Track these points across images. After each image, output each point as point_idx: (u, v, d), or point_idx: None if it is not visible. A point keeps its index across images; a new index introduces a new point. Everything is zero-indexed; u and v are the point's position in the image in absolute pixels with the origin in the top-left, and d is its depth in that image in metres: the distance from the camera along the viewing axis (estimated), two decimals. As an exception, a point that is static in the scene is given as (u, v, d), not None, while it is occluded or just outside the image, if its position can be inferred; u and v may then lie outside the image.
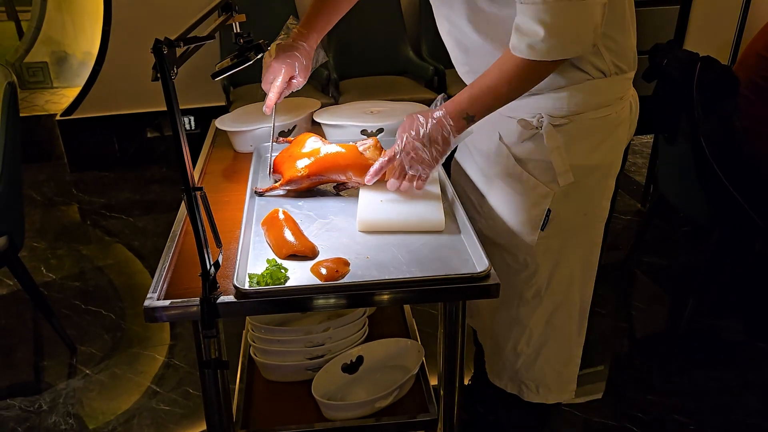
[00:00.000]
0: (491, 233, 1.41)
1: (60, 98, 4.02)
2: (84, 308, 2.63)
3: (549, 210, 1.31)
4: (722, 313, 2.54)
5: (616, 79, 1.26)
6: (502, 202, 1.38)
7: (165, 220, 3.34)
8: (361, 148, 1.36)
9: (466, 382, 1.89)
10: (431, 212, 1.27)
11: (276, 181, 1.43)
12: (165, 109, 0.92)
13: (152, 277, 1.10)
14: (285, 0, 3.77)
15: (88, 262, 3.00)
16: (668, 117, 2.24)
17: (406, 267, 1.14)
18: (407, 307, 1.80)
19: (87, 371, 2.27)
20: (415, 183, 1.28)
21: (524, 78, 1.15)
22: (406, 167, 1.26)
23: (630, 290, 2.76)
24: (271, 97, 1.46)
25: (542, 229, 1.33)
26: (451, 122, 1.21)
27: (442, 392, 1.27)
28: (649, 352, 2.35)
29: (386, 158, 1.29)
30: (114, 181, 3.85)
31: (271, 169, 1.46)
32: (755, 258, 2.90)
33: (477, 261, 1.15)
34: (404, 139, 1.24)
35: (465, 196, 1.50)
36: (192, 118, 3.88)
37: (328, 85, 3.63)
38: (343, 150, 1.37)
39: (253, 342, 1.43)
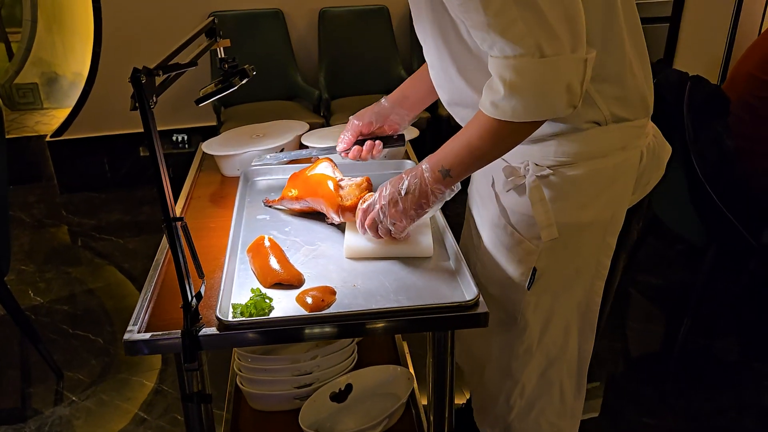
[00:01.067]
0: (484, 281, 1.35)
1: (50, 119, 4.01)
2: (72, 333, 2.59)
3: (535, 269, 1.23)
4: (717, 333, 2.52)
5: (616, 128, 1.14)
6: (492, 252, 1.31)
7: (156, 241, 3.29)
8: (343, 183, 1.33)
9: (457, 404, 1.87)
10: (419, 239, 1.25)
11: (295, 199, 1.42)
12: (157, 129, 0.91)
13: None
14: (276, 25, 3.78)
15: (78, 285, 2.96)
16: (659, 136, 2.23)
17: (393, 295, 1.12)
18: (398, 336, 1.77)
19: (74, 398, 2.23)
20: (393, 234, 1.21)
21: (497, 137, 1.05)
22: (380, 218, 1.20)
23: (625, 309, 2.74)
24: (344, 142, 1.43)
25: (528, 288, 1.25)
26: (429, 174, 1.14)
27: (432, 419, 1.25)
28: (645, 372, 2.33)
29: (363, 208, 1.23)
30: (104, 203, 3.83)
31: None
32: (750, 277, 2.89)
33: (466, 289, 1.13)
34: (383, 190, 1.20)
35: (469, 237, 1.45)
36: (185, 136, 3.87)
37: (319, 105, 3.63)
38: (326, 182, 1.33)
39: (240, 371, 1.41)
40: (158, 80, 0.94)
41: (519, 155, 1.20)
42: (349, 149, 1.43)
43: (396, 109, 1.43)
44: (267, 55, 3.73)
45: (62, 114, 3.92)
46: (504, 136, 1.05)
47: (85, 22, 3.72)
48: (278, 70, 3.79)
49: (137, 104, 0.88)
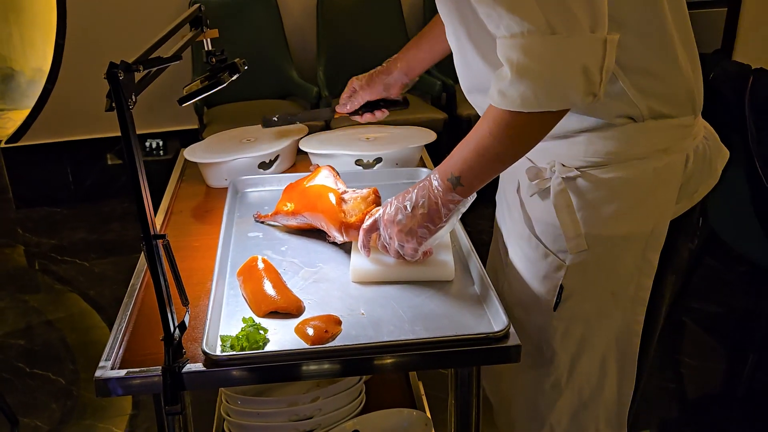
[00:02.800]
0: (510, 302, 1.35)
1: (5, 122, 4.06)
2: (29, 371, 2.60)
3: (562, 287, 1.23)
4: (789, 371, 2.51)
5: (655, 126, 1.14)
6: (517, 266, 1.32)
7: (127, 264, 3.33)
8: (346, 197, 1.34)
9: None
10: (439, 259, 1.26)
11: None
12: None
13: (105, 335, 1.09)
14: (268, 12, 3.82)
15: (36, 315, 2.98)
16: (717, 140, 2.24)
17: (408, 325, 1.13)
18: (413, 372, 1.77)
19: (31, 448, 2.24)
20: (405, 257, 1.22)
21: (508, 132, 1.05)
22: (386, 239, 1.21)
23: (678, 343, 2.73)
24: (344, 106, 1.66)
25: (555, 309, 1.24)
26: (440, 183, 1.14)
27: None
28: (703, 417, 2.31)
29: (365, 228, 1.24)
30: (67, 219, 3.86)
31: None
32: (826, 304, 2.87)
33: (494, 318, 1.13)
34: (387, 207, 1.21)
35: (497, 253, 1.46)
36: (160, 142, 3.90)
37: (318, 105, 3.67)
38: (326, 195, 1.34)
39: (228, 415, 1.41)
40: (138, 76, 0.95)
41: (545, 155, 1.21)
42: (356, 113, 1.65)
43: (400, 72, 1.61)
44: (257, 46, 3.77)
45: (19, 116, 3.97)
46: (516, 132, 1.06)
47: (48, 11, 3.78)
48: (270, 64, 3.83)
49: (113, 104, 0.89)
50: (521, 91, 1.00)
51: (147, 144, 3.85)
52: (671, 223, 1.23)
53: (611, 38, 1.00)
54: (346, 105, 1.65)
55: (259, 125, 1.77)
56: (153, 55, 1.02)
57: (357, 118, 1.67)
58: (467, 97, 1.32)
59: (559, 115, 1.05)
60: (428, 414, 1.60)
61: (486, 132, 1.08)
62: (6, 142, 3.89)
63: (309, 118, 1.79)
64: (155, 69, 1.01)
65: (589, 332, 1.27)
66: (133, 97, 0.93)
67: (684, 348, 2.70)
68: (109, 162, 3.96)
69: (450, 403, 1.21)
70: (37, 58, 3.94)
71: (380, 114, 1.66)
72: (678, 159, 1.18)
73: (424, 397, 1.75)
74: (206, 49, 1.30)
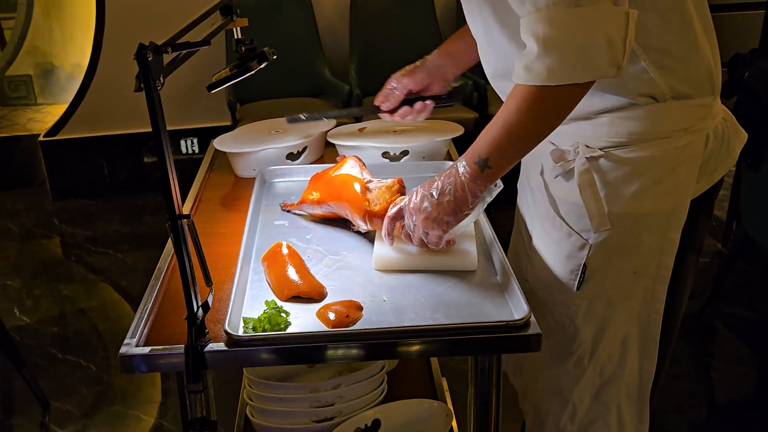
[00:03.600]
0: (533, 284, 1.38)
1: (44, 116, 4.14)
2: (61, 358, 2.66)
3: (585, 266, 1.25)
4: (823, 378, 2.46)
5: (677, 106, 1.17)
6: (540, 248, 1.35)
7: (158, 256, 3.37)
8: (371, 186, 1.35)
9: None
10: (462, 249, 1.26)
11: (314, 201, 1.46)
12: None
13: None
14: (302, 10, 3.85)
15: (69, 304, 3.04)
16: (751, 139, 2.21)
17: (429, 312, 1.13)
18: (435, 363, 1.77)
19: (61, 432, 2.28)
20: (429, 245, 1.23)
21: (535, 108, 1.07)
22: (410, 228, 1.22)
23: (708, 347, 2.69)
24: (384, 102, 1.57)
25: (578, 289, 1.27)
26: (466, 168, 1.15)
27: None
28: (733, 421, 2.28)
29: (390, 215, 1.26)
30: (101, 211, 3.93)
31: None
32: None
33: (515, 307, 1.13)
34: (413, 195, 1.22)
35: (520, 239, 1.48)
36: (195, 140, 3.96)
37: (350, 102, 3.68)
38: (351, 184, 1.35)
39: (251, 400, 1.43)
40: (166, 59, 0.97)
41: (569, 136, 1.22)
42: (396, 109, 1.54)
43: (444, 64, 1.54)
44: (290, 44, 3.80)
45: (58, 111, 4.06)
46: (544, 107, 1.07)
47: (87, 8, 3.86)
48: (303, 61, 3.85)
49: (142, 84, 0.91)
50: (548, 64, 1.01)
51: (182, 143, 3.92)
52: (692, 202, 1.25)
53: (632, 12, 1.02)
54: (385, 102, 1.57)
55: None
56: (181, 40, 1.03)
57: (396, 117, 1.57)
58: (491, 83, 1.34)
59: (585, 88, 1.06)
60: (450, 407, 1.59)
61: (513, 109, 1.09)
62: (44, 136, 3.98)
63: (337, 116, 1.74)
64: (184, 53, 1.02)
65: (611, 311, 1.28)
66: (161, 78, 0.95)
67: (715, 352, 2.66)
68: (145, 160, 4.03)
69: (470, 392, 1.21)
70: (76, 53, 4.02)
71: (421, 107, 1.55)
72: (698, 138, 1.21)
73: (446, 391, 1.75)
74: (236, 37, 1.32)
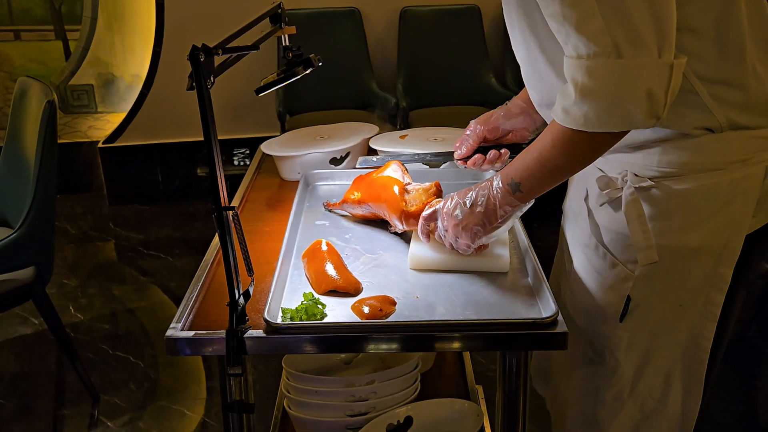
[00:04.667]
0: (573, 311, 1.35)
1: (104, 124, 4.31)
2: (111, 354, 2.76)
3: (629, 297, 1.22)
4: None
5: (733, 136, 1.12)
6: (582, 275, 1.32)
7: (206, 260, 3.48)
8: (409, 188, 1.39)
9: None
10: (495, 251, 1.30)
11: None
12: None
13: None
14: (353, 25, 3.94)
15: (121, 304, 3.15)
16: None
17: (460, 309, 1.17)
18: (469, 366, 1.80)
19: (109, 424, 2.37)
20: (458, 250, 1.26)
21: (570, 148, 1.08)
22: (441, 231, 1.25)
23: (754, 368, 2.64)
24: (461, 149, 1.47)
25: (621, 321, 1.24)
26: (500, 185, 1.17)
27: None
28: (773, 443, 2.24)
29: (425, 216, 1.29)
30: (154, 216, 4.06)
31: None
32: None
33: (544, 307, 1.16)
34: (447, 201, 1.25)
35: (561, 263, 1.46)
36: (247, 151, 4.08)
37: (396, 116, 3.74)
38: (391, 186, 1.40)
39: (288, 392, 1.48)
40: (218, 61, 1.04)
41: (617, 164, 1.20)
42: (469, 157, 1.45)
43: (526, 113, 1.44)
44: (340, 58, 3.89)
45: (116, 119, 4.21)
46: (578, 148, 1.08)
47: (147, 20, 4.01)
48: (352, 74, 3.94)
49: (194, 83, 0.98)
50: (584, 111, 1.02)
51: (234, 155, 4.04)
52: (747, 237, 1.20)
53: (678, 62, 1.00)
54: (461, 148, 1.47)
55: (334, 124, 1.86)
56: (232, 44, 1.10)
57: (468, 165, 1.46)
58: (539, 111, 1.32)
59: (621, 135, 1.06)
60: (483, 408, 1.62)
61: (549, 144, 1.10)
62: (103, 143, 4.14)
63: (411, 160, 1.60)
64: (234, 55, 1.09)
65: (654, 344, 1.25)
66: (212, 78, 1.01)
67: (758, 371, 2.61)
68: (198, 173, 4.15)
69: (498, 392, 1.23)
70: (135, 64, 4.18)
71: (494, 156, 1.43)
72: (757, 171, 1.16)
73: (481, 396, 1.77)
74: (284, 44, 1.39)
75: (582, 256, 1.31)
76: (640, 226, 1.17)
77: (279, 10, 1.34)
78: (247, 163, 4.04)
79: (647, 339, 1.25)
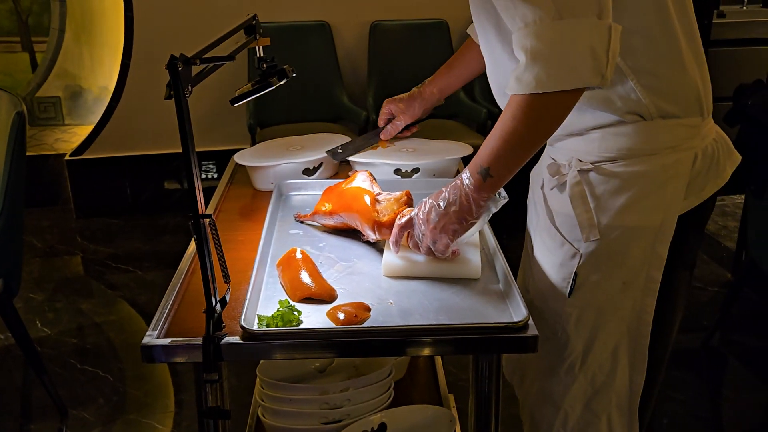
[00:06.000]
0: (532, 293, 1.44)
1: (71, 136, 4.28)
2: (80, 368, 2.73)
3: (576, 274, 1.31)
4: (828, 405, 2.47)
5: (664, 124, 1.24)
6: (538, 258, 1.41)
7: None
8: (380, 198, 1.41)
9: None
10: (467, 258, 1.32)
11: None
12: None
13: None
14: (323, 39, 3.98)
15: (89, 317, 3.12)
16: (755, 167, 2.26)
17: (433, 315, 1.19)
18: (441, 375, 1.82)
19: (78, 439, 2.34)
20: (436, 253, 1.29)
21: (529, 115, 1.13)
22: (419, 237, 1.29)
23: (714, 374, 2.71)
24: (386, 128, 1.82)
25: (569, 296, 1.33)
26: (470, 179, 1.22)
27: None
28: (737, 447, 2.30)
29: (400, 224, 1.32)
30: (123, 229, 4.03)
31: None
32: None
33: (515, 311, 1.19)
34: (422, 206, 1.28)
35: (526, 253, 1.54)
36: (213, 165, 4.07)
37: (366, 128, 3.77)
38: (362, 197, 1.42)
39: (262, 400, 1.48)
40: (194, 71, 1.06)
41: (565, 152, 1.31)
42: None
43: (434, 96, 1.75)
44: (311, 71, 3.91)
45: (84, 131, 4.18)
46: (536, 114, 1.14)
47: (116, 33, 4.00)
48: (322, 88, 3.96)
49: (172, 92, 0.99)
50: (536, 74, 1.09)
51: (201, 170, 4.04)
52: (682, 219, 1.29)
53: (615, 26, 1.09)
54: (388, 131, 1.81)
55: (307, 135, 1.88)
56: (208, 55, 1.12)
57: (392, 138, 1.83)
58: (497, 100, 1.41)
59: (573, 96, 1.12)
60: (455, 415, 1.64)
61: (509, 118, 1.16)
62: (70, 155, 4.10)
63: (361, 146, 1.83)
64: (210, 65, 1.11)
65: (601, 320, 1.33)
66: (190, 87, 1.03)
67: (721, 380, 2.67)
68: (165, 186, 4.14)
69: (470, 394, 1.26)
70: (104, 76, 4.16)
71: (408, 134, 1.85)
72: (686, 157, 1.26)
73: (451, 399, 1.80)
74: (258, 55, 1.40)
75: (539, 240, 1.40)
76: (582, 206, 1.27)
77: (254, 22, 1.36)
78: (214, 176, 4.04)
79: (594, 315, 1.33)
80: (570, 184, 1.28)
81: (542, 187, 1.38)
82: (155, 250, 3.76)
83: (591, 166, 1.26)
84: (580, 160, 1.28)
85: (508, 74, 1.24)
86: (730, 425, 2.44)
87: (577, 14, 1.06)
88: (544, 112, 1.14)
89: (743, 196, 4.05)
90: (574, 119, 1.21)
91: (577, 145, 1.29)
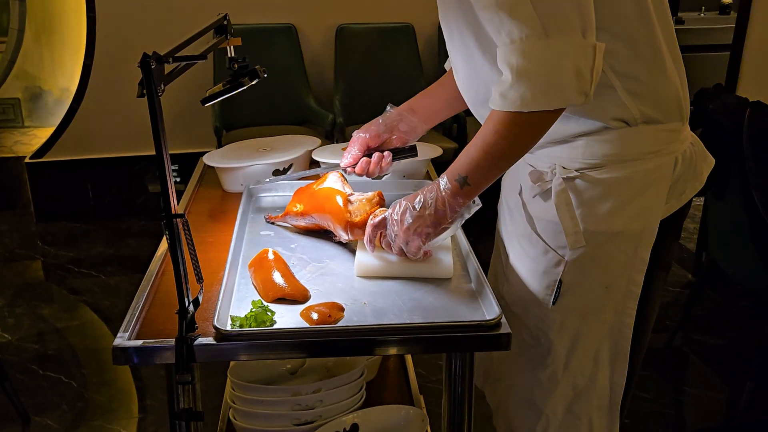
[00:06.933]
0: (509, 300, 1.43)
1: (31, 139, 4.20)
2: (42, 374, 2.67)
3: (561, 281, 1.31)
4: (786, 401, 2.54)
5: (647, 130, 1.25)
6: (516, 265, 1.40)
7: (141, 278, 3.39)
8: (352, 198, 1.42)
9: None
10: (439, 258, 1.33)
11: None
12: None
13: None
14: (289, 42, 3.97)
15: (50, 323, 3.06)
16: (715, 169, 2.31)
17: (407, 314, 1.20)
18: (412, 375, 1.83)
19: (40, 446, 2.29)
20: (407, 255, 1.29)
21: (511, 131, 1.14)
22: (392, 237, 1.29)
23: (678, 372, 2.76)
24: (347, 159, 1.52)
25: (553, 304, 1.32)
26: (447, 184, 1.22)
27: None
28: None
29: (373, 223, 1.32)
30: (85, 233, 3.96)
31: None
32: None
33: (487, 309, 1.20)
34: (396, 207, 1.29)
35: (498, 260, 1.53)
36: (176, 168, 4.02)
37: (333, 131, 3.77)
38: (334, 197, 1.42)
39: (233, 402, 1.47)
40: (167, 68, 1.05)
41: (546, 158, 1.29)
42: (355, 164, 1.51)
43: (405, 118, 1.53)
44: (277, 73, 3.90)
45: (44, 134, 4.11)
46: (519, 130, 1.15)
47: (77, 33, 3.94)
48: (289, 91, 3.95)
49: (144, 91, 0.98)
50: (521, 92, 1.09)
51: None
52: (661, 222, 1.31)
53: (599, 45, 1.10)
54: (347, 157, 1.52)
55: (276, 137, 1.87)
56: (180, 54, 1.11)
57: (357, 171, 1.51)
58: (472, 110, 1.39)
59: (556, 113, 1.14)
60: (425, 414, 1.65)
61: (491, 132, 1.17)
62: (30, 158, 4.02)
63: (299, 177, 1.69)
64: (183, 64, 1.10)
65: (584, 325, 1.34)
66: (162, 86, 1.02)
67: (684, 377, 2.73)
68: (129, 189, 4.08)
69: (444, 394, 1.26)
70: (65, 78, 4.09)
71: (378, 159, 1.50)
72: (667, 161, 1.28)
73: (422, 400, 1.80)
74: (229, 55, 1.40)
75: (518, 246, 1.39)
76: (568, 213, 1.26)
77: (225, 22, 1.35)
78: (176, 180, 4.00)
79: (578, 320, 1.34)
80: (555, 192, 1.26)
81: (520, 194, 1.37)
82: (119, 254, 3.70)
83: (576, 173, 1.26)
84: (564, 167, 1.27)
85: (488, 84, 1.24)
86: (693, 421, 2.49)
87: (563, 32, 1.07)
88: (527, 128, 1.15)
89: (703, 198, 4.15)
90: (559, 127, 1.21)
91: (560, 152, 1.28)
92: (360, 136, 1.52)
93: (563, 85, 1.08)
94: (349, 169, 1.53)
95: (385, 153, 1.51)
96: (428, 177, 1.83)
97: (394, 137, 1.54)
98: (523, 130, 1.15)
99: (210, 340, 1.10)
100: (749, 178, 2.16)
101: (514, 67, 1.09)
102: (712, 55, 3.54)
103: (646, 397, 2.54)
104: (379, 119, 1.53)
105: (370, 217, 1.34)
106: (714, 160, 1.40)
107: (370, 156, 1.51)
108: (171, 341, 1.09)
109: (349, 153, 1.52)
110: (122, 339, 1.10)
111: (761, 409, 2.48)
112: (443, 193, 1.23)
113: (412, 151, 1.54)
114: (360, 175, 1.52)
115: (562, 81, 1.08)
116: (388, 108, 1.55)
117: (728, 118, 2.18)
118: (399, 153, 1.53)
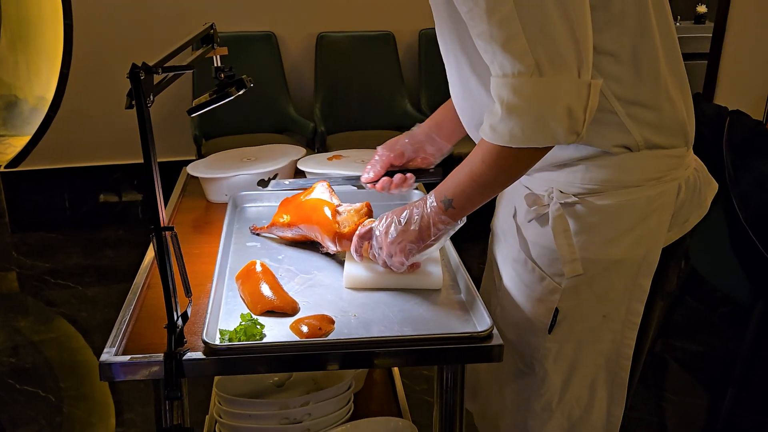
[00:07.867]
0: (503, 325, 1.39)
1: (5, 148, 4.13)
2: (18, 388, 2.62)
3: (557, 309, 1.27)
4: (766, 407, 2.56)
5: (649, 155, 1.20)
6: (511, 290, 1.36)
7: (120, 289, 3.37)
8: (340, 209, 1.41)
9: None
10: (428, 269, 1.33)
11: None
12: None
13: (97, 355, 1.14)
14: (269, 50, 3.95)
15: (27, 335, 3.00)
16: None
17: (397, 326, 1.19)
18: (399, 386, 1.82)
19: (18, 462, 2.25)
20: (391, 268, 1.28)
21: (499, 164, 1.13)
22: (376, 249, 1.28)
23: (659, 379, 2.78)
24: (368, 175, 1.51)
25: (549, 332, 1.28)
26: (433, 204, 1.21)
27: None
28: (683, 450, 2.36)
29: (359, 234, 1.31)
30: (62, 244, 3.90)
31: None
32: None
33: (478, 321, 1.20)
34: (382, 219, 1.28)
35: (491, 279, 1.49)
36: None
37: (314, 140, 3.76)
38: (322, 208, 1.41)
39: (220, 417, 1.45)
40: (156, 79, 1.03)
41: (543, 182, 1.26)
42: (376, 180, 1.50)
43: (431, 139, 1.50)
44: (257, 82, 3.82)
45: (20, 143, 4.04)
46: (506, 163, 1.13)
47: (54, 41, 3.89)
48: (269, 99, 3.93)
49: (133, 102, 0.97)
50: (510, 128, 1.07)
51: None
52: (663, 249, 1.27)
53: (595, 83, 1.07)
54: (369, 172, 1.51)
55: (261, 146, 1.86)
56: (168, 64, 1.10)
57: (377, 188, 1.51)
58: (468, 132, 1.36)
59: (546, 150, 1.12)
60: (414, 427, 1.64)
61: (479, 160, 1.15)
62: (5, 167, 3.96)
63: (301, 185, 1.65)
64: (171, 75, 1.09)
65: (580, 354, 1.30)
66: (151, 96, 1.01)
67: (666, 384, 2.74)
68: (101, 199, 4.03)
69: (435, 410, 1.26)
70: (41, 86, 4.04)
71: (400, 180, 1.48)
72: (671, 188, 1.23)
73: (409, 413, 1.79)
74: (215, 65, 1.39)
75: (512, 271, 1.35)
76: (565, 240, 1.22)
77: (211, 31, 1.34)
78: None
79: (574, 349, 1.30)
80: (552, 217, 1.22)
81: (514, 216, 1.33)
82: (96, 265, 3.65)
83: (574, 198, 1.21)
84: (562, 192, 1.23)
85: (482, 107, 1.22)
86: (674, 428, 2.50)
87: (558, 71, 1.03)
88: (514, 162, 1.13)
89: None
90: (557, 151, 1.17)
91: (557, 176, 1.24)
92: (385, 154, 1.49)
93: (554, 124, 1.06)
94: (368, 185, 1.51)
95: (408, 175, 1.49)
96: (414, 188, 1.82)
97: (418, 158, 1.51)
98: (511, 164, 1.13)
99: (199, 354, 1.09)
100: (729, 186, 2.19)
101: (504, 102, 1.06)
102: (688, 64, 3.56)
103: (628, 404, 2.55)
104: (405, 138, 1.50)
105: (359, 227, 1.34)
106: (717, 185, 1.35)
107: (391, 175, 1.49)
108: (159, 356, 1.07)
109: (372, 169, 1.50)
110: (109, 355, 1.08)
111: (742, 415, 2.50)
112: (428, 211, 1.22)
113: (436, 174, 1.50)
114: (380, 191, 1.51)
115: (553, 120, 1.05)
116: (416, 128, 1.51)
117: (708, 128, 2.21)
118: (422, 175, 1.51)
